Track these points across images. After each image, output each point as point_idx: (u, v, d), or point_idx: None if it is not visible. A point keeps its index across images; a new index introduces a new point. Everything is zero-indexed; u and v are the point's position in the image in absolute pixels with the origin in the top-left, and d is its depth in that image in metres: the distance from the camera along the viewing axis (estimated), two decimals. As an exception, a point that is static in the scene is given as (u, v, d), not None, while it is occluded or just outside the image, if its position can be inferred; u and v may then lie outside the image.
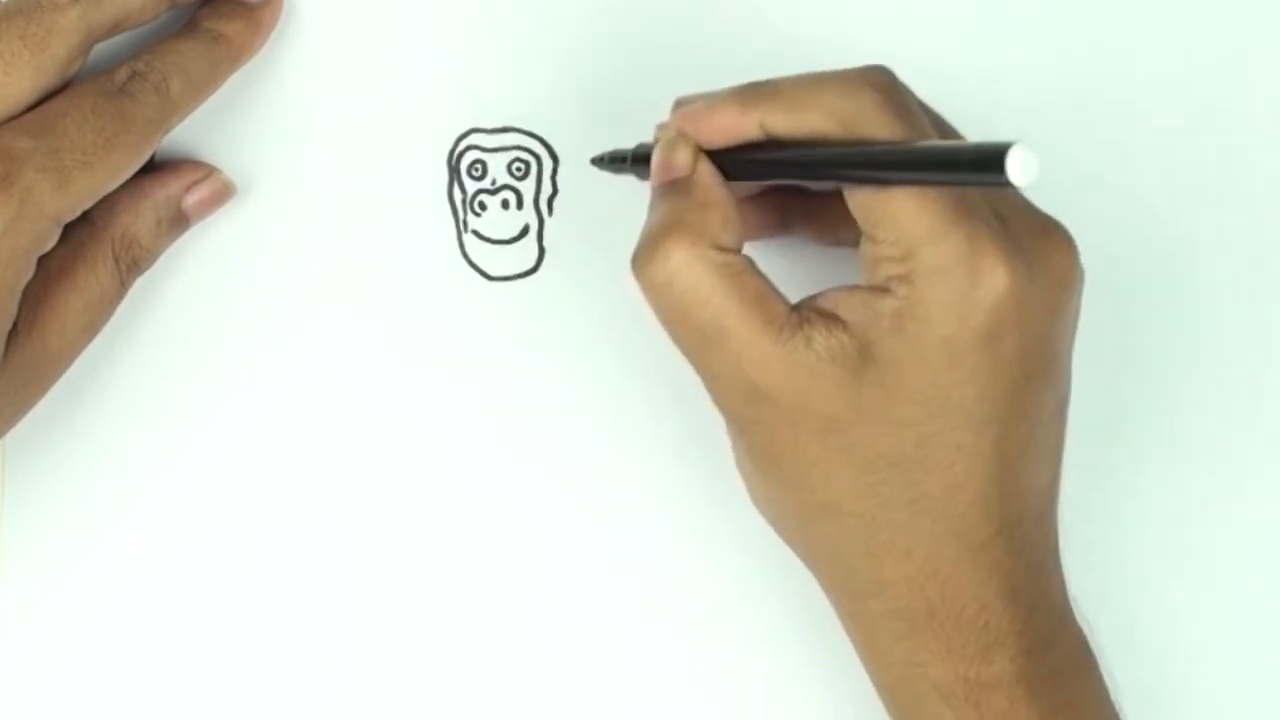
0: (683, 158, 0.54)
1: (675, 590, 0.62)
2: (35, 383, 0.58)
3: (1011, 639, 0.54)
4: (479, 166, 0.61)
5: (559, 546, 0.62)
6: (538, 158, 0.61)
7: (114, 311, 0.59)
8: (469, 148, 0.61)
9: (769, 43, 0.62)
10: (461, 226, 0.62)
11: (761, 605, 0.61)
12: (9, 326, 0.55)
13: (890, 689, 0.56)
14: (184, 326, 0.61)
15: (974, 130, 0.56)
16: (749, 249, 0.54)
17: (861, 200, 0.52)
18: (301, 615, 0.61)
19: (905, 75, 0.54)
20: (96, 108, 0.55)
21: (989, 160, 0.47)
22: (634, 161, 0.57)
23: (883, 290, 0.52)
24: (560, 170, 0.61)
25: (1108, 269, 0.61)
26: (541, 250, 0.62)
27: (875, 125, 0.52)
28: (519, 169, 0.61)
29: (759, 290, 0.53)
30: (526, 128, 0.61)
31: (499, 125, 0.61)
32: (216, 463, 0.61)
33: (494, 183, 0.61)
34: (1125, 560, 0.63)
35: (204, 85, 0.58)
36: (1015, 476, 0.53)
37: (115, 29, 0.56)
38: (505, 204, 0.61)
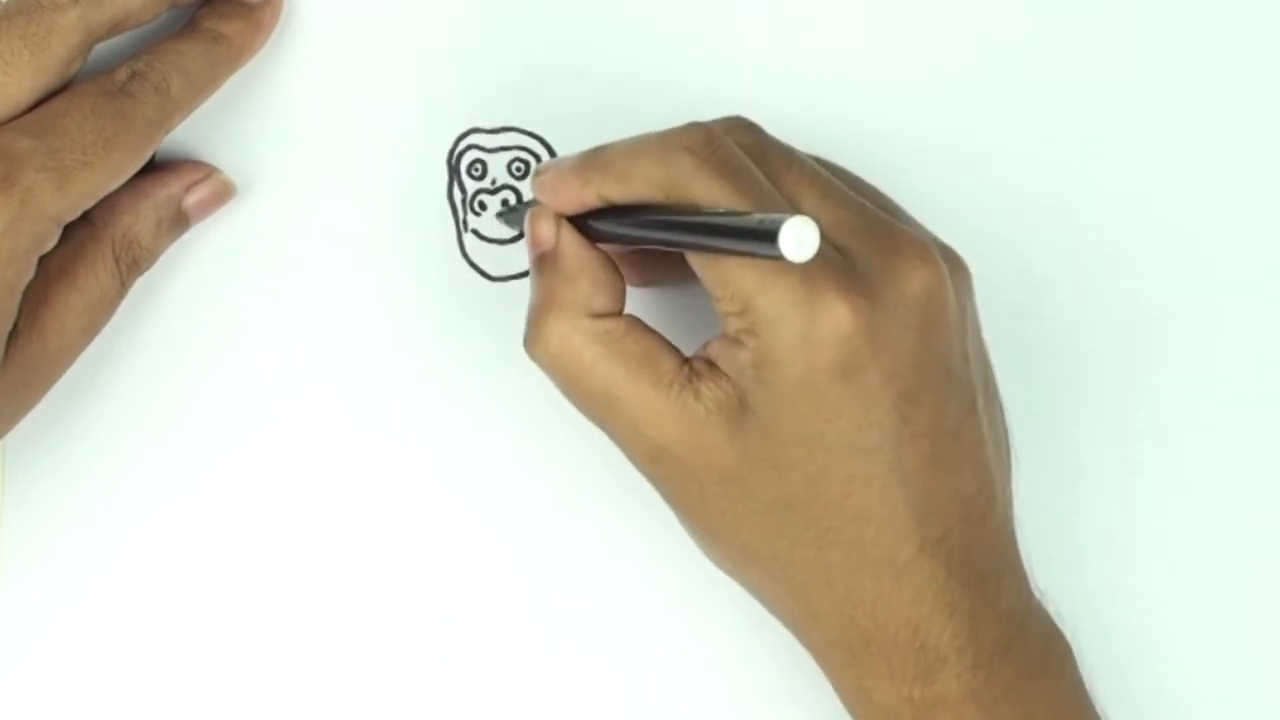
0: (545, 230, 0.55)
1: (678, 590, 0.62)
2: (35, 383, 0.57)
3: (954, 656, 0.54)
4: (479, 166, 0.61)
5: (560, 546, 0.62)
6: (537, 158, 0.61)
7: (114, 312, 0.59)
8: (469, 147, 0.61)
9: (769, 42, 0.62)
10: (461, 226, 0.62)
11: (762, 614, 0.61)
12: (9, 327, 0.55)
13: (850, 709, 0.56)
14: (184, 326, 0.61)
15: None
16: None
17: (698, 261, 0.53)
18: (301, 615, 0.61)
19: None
20: (97, 108, 0.55)
21: (766, 234, 0.48)
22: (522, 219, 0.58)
23: (736, 342, 0.53)
24: (560, 170, 0.61)
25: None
26: (541, 250, 0.62)
27: (694, 189, 0.53)
28: (519, 169, 0.61)
29: (644, 350, 0.54)
30: (526, 127, 0.61)
31: (499, 125, 0.61)
32: (217, 463, 0.61)
33: (494, 182, 0.61)
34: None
35: (204, 85, 0.58)
36: (928, 494, 0.53)
37: (115, 29, 0.56)
38: (505, 204, 0.61)
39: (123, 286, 0.58)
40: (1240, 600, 0.63)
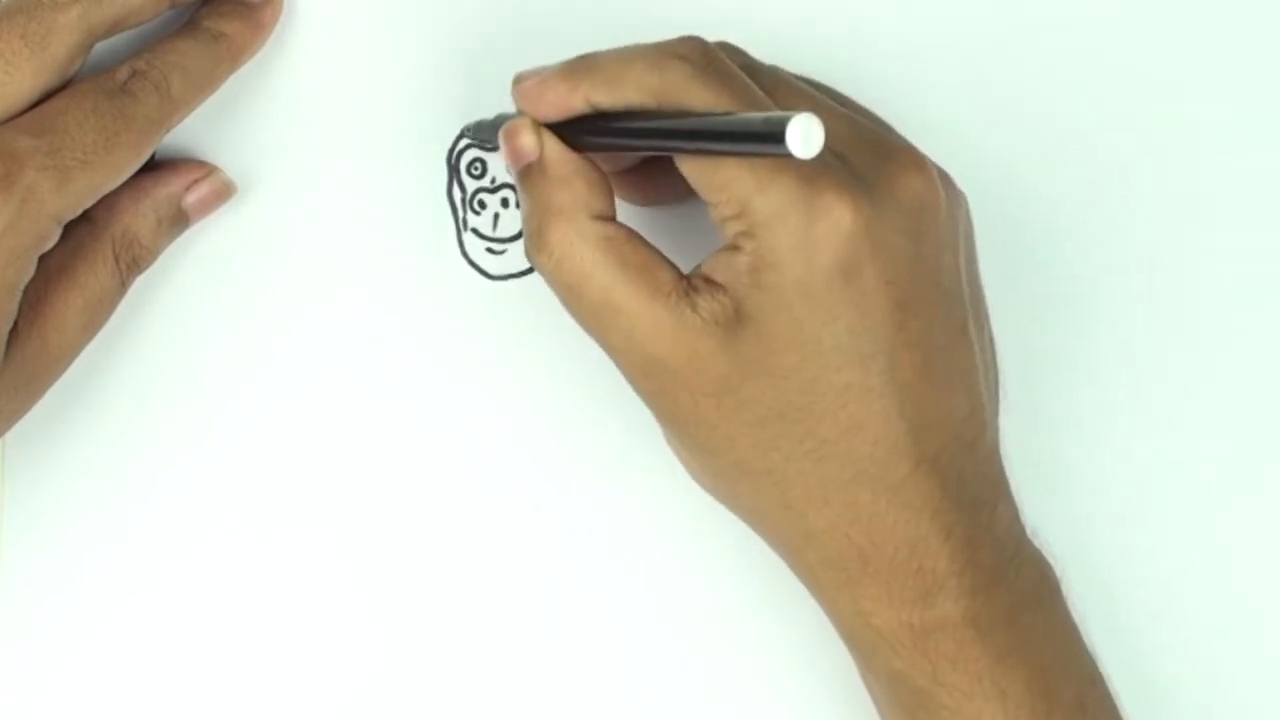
0: (527, 140, 0.55)
1: (675, 588, 0.62)
2: (35, 382, 0.58)
3: (952, 579, 0.54)
4: (479, 165, 0.61)
5: (559, 545, 0.62)
6: (537, 156, 0.61)
7: (114, 310, 0.59)
8: (469, 146, 0.61)
9: (770, 44, 0.62)
10: (461, 225, 0.62)
11: (761, 602, 0.61)
12: (9, 325, 0.55)
13: (847, 638, 0.56)
14: (184, 326, 0.61)
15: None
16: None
17: (692, 168, 0.53)
18: (301, 615, 0.61)
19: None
20: (97, 106, 0.55)
21: (771, 132, 0.48)
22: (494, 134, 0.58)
23: (734, 248, 0.53)
24: (560, 169, 0.61)
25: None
26: (541, 249, 0.62)
27: (689, 95, 0.53)
28: (519, 168, 0.61)
29: (643, 260, 0.54)
30: (526, 126, 0.61)
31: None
32: (217, 462, 0.61)
33: (494, 181, 0.62)
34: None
35: (204, 84, 0.58)
36: (921, 408, 0.53)
37: (116, 28, 0.57)
38: (505, 202, 0.62)
39: (122, 285, 0.59)
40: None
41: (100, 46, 0.57)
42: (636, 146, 0.54)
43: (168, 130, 0.57)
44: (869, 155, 0.53)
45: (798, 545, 0.55)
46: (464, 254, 0.62)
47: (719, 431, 0.54)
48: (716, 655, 0.62)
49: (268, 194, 0.61)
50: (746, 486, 0.55)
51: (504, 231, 0.61)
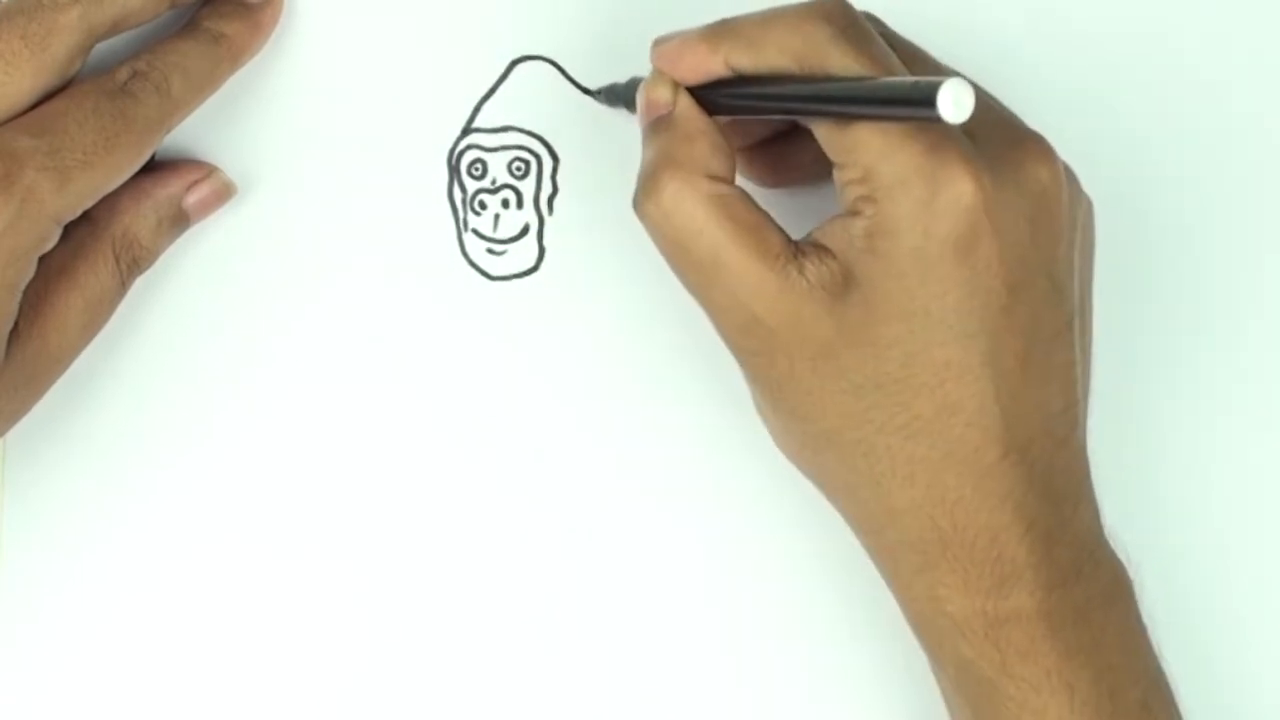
0: (663, 94, 0.55)
1: (675, 588, 0.62)
2: (35, 382, 0.58)
3: (1029, 572, 0.54)
4: (479, 166, 0.61)
5: (559, 545, 0.62)
6: (538, 157, 0.61)
7: (114, 311, 0.59)
8: (469, 147, 0.61)
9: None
10: (461, 226, 0.62)
11: (772, 601, 0.61)
12: (9, 326, 0.55)
13: (917, 625, 0.56)
14: (184, 326, 0.61)
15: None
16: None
17: (824, 130, 0.53)
18: (301, 615, 0.61)
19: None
20: (97, 107, 0.55)
21: (922, 96, 0.48)
22: (628, 96, 0.58)
23: (853, 213, 0.53)
24: (560, 170, 0.61)
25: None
26: (541, 250, 0.62)
27: (829, 58, 0.53)
28: (519, 169, 0.61)
29: (753, 221, 0.54)
30: (526, 127, 0.61)
31: (499, 125, 0.61)
32: (217, 462, 0.61)
33: (494, 182, 0.62)
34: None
35: (205, 85, 0.58)
36: (1017, 397, 0.53)
37: (116, 28, 0.57)
38: (505, 203, 0.62)
39: (123, 285, 0.59)
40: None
41: (100, 46, 0.57)
42: (775, 110, 0.54)
43: (168, 131, 0.57)
44: (999, 138, 0.54)
45: (879, 523, 0.55)
46: (464, 255, 0.62)
47: (812, 397, 0.54)
48: (716, 656, 0.62)
49: (268, 194, 0.61)
50: (833, 457, 0.55)
51: (504, 232, 0.62)
